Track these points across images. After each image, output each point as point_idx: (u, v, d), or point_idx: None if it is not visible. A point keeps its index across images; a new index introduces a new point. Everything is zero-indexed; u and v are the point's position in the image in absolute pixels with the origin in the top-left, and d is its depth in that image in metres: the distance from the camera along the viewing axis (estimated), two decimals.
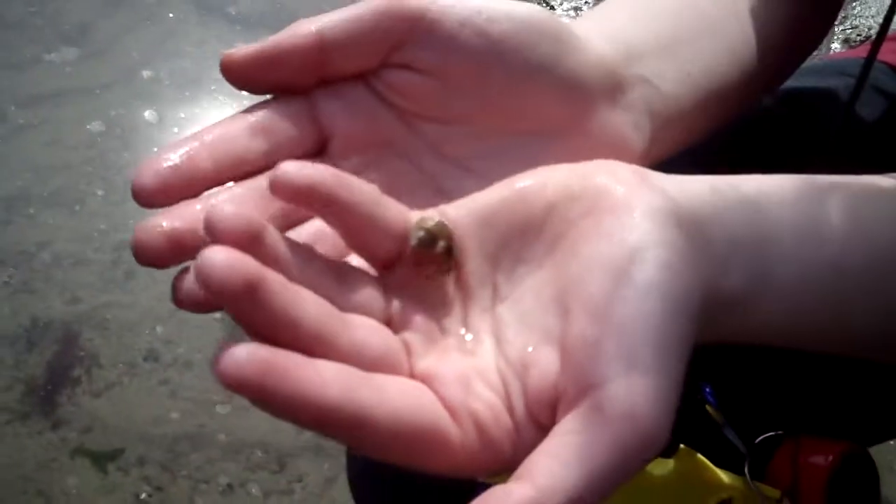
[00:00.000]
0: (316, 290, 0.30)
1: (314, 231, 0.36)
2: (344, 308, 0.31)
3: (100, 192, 1.36)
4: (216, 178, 0.34)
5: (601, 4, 0.47)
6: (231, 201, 0.28)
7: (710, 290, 0.32)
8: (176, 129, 1.44)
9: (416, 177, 0.38)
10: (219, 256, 0.26)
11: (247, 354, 0.25)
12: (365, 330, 0.31)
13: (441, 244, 0.33)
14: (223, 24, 1.57)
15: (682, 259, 0.31)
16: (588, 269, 0.31)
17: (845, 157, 0.50)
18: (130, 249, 0.32)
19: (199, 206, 0.33)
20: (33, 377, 1.19)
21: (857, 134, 0.59)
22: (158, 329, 1.24)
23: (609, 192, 0.33)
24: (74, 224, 1.33)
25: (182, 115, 1.45)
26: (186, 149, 0.34)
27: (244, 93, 0.36)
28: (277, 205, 0.34)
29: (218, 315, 1.20)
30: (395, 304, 0.33)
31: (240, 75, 0.35)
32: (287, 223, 0.36)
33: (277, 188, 0.30)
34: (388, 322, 0.33)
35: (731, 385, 0.49)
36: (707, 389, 0.46)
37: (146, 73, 1.49)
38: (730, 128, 0.49)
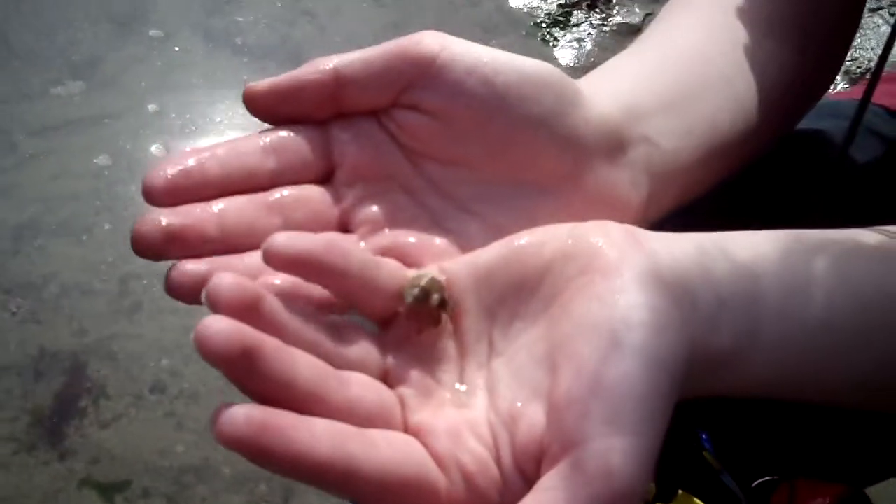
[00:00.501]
0: (313, 349, 0.32)
1: None
2: (340, 365, 0.32)
3: (107, 224, 1.37)
4: (224, 188, 0.36)
5: (610, 60, 0.47)
6: (231, 275, 0.29)
7: (697, 349, 0.33)
8: None
9: (415, 211, 0.40)
10: (217, 326, 0.28)
11: (243, 416, 0.27)
12: (359, 387, 0.32)
13: (435, 297, 0.35)
14: (230, 55, 1.59)
15: (667, 321, 0.32)
16: (577, 328, 0.33)
17: (838, 202, 0.50)
18: (130, 241, 0.34)
19: (199, 210, 0.35)
20: (41, 408, 1.20)
21: (851, 177, 0.59)
22: (165, 361, 1.25)
23: (601, 253, 0.34)
24: (82, 254, 1.34)
25: (188, 149, 1.47)
26: (199, 157, 0.36)
27: (251, 126, 0.38)
28: (277, 220, 0.36)
29: None
30: (392, 360, 0.35)
31: (261, 106, 0.38)
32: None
33: (269, 258, 0.32)
34: (385, 377, 0.35)
35: (727, 431, 0.50)
36: (704, 436, 0.47)
37: (152, 106, 1.51)
38: None
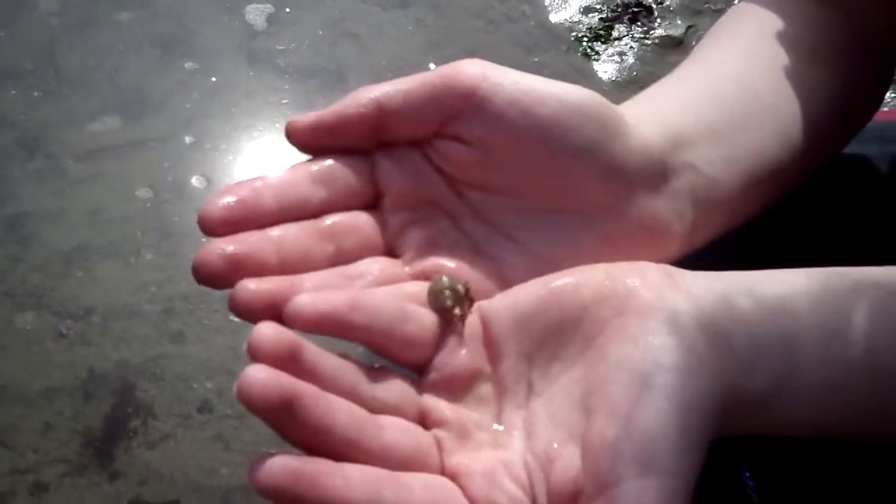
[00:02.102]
0: (349, 394, 0.32)
1: None
2: (377, 409, 0.33)
3: (153, 246, 1.38)
4: (277, 218, 0.37)
5: (655, 85, 0.47)
6: (271, 326, 0.30)
7: (732, 391, 0.33)
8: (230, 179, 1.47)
9: (458, 237, 0.40)
10: (258, 376, 0.29)
11: (279, 466, 0.28)
12: (395, 431, 0.33)
13: (460, 289, 0.37)
14: (272, 75, 1.60)
15: (701, 363, 0.33)
16: (612, 371, 0.33)
17: (882, 234, 0.49)
18: (192, 270, 0.34)
19: (257, 238, 0.36)
20: (91, 429, 1.21)
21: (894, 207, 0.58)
22: (212, 381, 1.26)
23: (637, 294, 0.35)
24: (129, 277, 1.35)
25: (240, 181, 1.48)
26: (253, 187, 0.37)
27: (291, 151, 0.39)
28: (330, 247, 0.37)
29: None
30: (429, 401, 0.35)
31: (304, 140, 0.38)
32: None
33: (293, 319, 0.33)
34: (422, 419, 0.35)
35: (770, 468, 0.49)
36: (747, 473, 0.46)
37: (189, 138, 1.52)
38: None
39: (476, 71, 0.38)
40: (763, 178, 0.44)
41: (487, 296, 0.38)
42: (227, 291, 0.34)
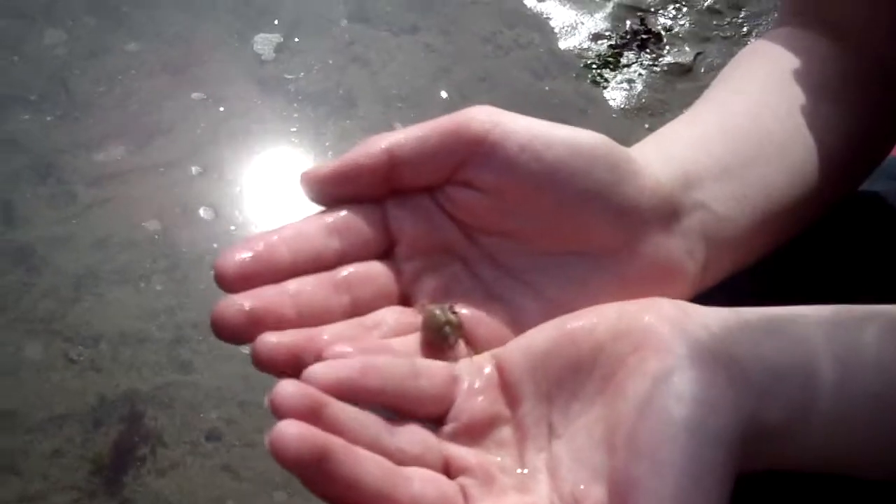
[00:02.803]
0: (374, 448, 0.32)
1: None
2: (401, 460, 0.33)
3: (163, 272, 1.39)
4: (293, 271, 0.37)
5: (666, 126, 0.47)
6: (292, 382, 0.31)
7: (751, 422, 0.33)
8: (244, 210, 1.47)
9: (471, 282, 0.40)
10: (290, 431, 0.29)
11: None
12: (422, 482, 0.33)
13: (447, 329, 0.38)
14: (282, 103, 1.61)
15: (720, 395, 0.33)
16: (633, 407, 0.33)
17: (891, 274, 0.49)
18: (210, 325, 0.35)
19: (274, 292, 0.36)
20: (100, 456, 1.21)
21: None
22: (221, 409, 1.26)
23: (653, 330, 0.35)
24: (139, 302, 1.36)
25: (254, 235, 1.49)
26: (268, 241, 0.37)
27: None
28: (346, 298, 0.37)
29: None
30: (451, 449, 0.35)
31: (318, 191, 0.39)
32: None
33: (309, 384, 0.33)
34: (445, 468, 0.35)
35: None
36: None
37: (196, 168, 1.53)
38: None
39: (485, 118, 0.38)
40: (773, 215, 0.45)
41: (502, 342, 0.39)
42: None
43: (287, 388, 0.30)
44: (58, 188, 1.48)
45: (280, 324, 0.35)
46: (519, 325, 0.39)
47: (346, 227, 0.39)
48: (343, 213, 0.39)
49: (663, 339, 0.34)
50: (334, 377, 0.33)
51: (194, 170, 1.52)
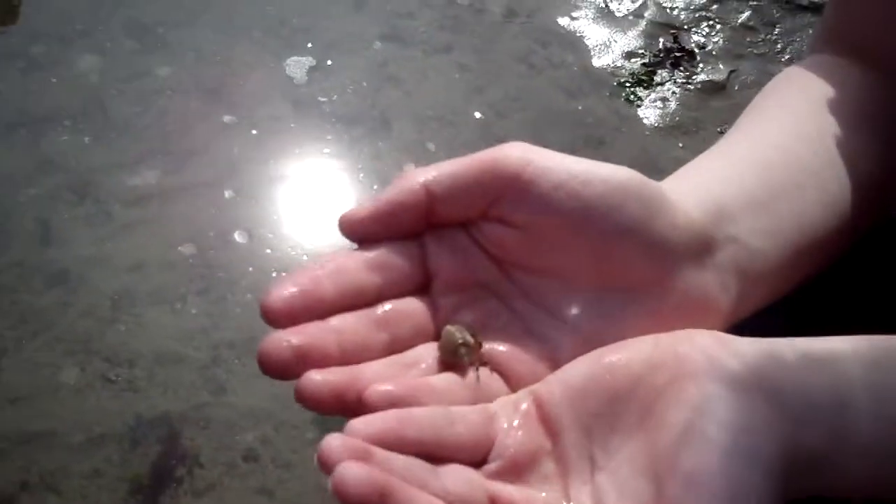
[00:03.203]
0: (423, 489, 0.33)
1: None
2: (449, 502, 0.33)
3: (199, 291, 1.40)
4: (336, 307, 0.38)
5: (698, 157, 0.47)
6: (338, 437, 0.32)
7: (792, 449, 0.34)
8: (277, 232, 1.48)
9: (507, 318, 0.41)
10: (352, 471, 0.30)
11: None
12: None
13: (463, 350, 0.38)
14: (315, 124, 1.62)
15: (761, 422, 0.33)
16: (675, 437, 0.34)
17: None
18: (257, 360, 0.35)
19: (317, 328, 0.37)
20: (138, 476, 1.22)
21: None
22: (257, 429, 1.26)
23: (689, 359, 0.35)
24: (175, 323, 1.37)
25: (279, 234, 1.50)
26: (313, 277, 0.37)
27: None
28: (385, 335, 0.38)
29: (309, 416, 1.23)
30: (496, 487, 0.36)
31: (358, 232, 0.39)
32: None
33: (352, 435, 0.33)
34: None
35: None
36: None
37: (229, 191, 1.54)
38: None
39: (519, 154, 0.39)
40: (807, 247, 0.45)
41: (536, 379, 0.39)
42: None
43: (333, 442, 0.31)
44: (94, 208, 1.49)
45: (324, 360, 0.36)
46: (553, 362, 0.39)
47: (386, 264, 0.39)
48: (382, 249, 0.39)
49: (700, 367, 0.35)
50: (373, 431, 0.33)
51: (227, 193, 1.53)
